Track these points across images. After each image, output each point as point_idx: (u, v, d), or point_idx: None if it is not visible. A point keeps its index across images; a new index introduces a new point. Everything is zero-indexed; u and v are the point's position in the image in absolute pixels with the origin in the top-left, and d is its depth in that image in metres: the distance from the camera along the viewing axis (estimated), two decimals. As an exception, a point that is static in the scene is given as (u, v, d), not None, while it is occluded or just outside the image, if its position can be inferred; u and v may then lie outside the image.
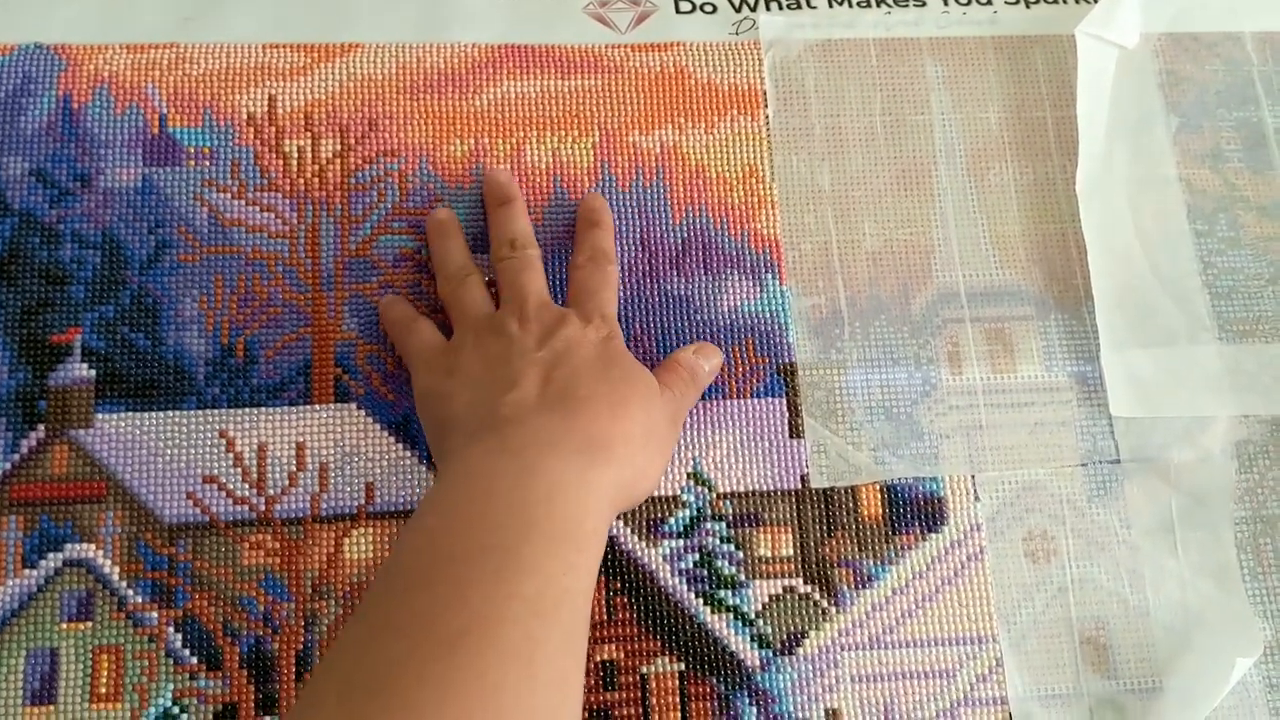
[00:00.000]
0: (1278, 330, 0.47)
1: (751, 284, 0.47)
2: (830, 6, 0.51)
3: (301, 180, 0.46)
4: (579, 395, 0.38)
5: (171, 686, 0.41)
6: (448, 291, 0.43)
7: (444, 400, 0.40)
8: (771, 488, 0.44)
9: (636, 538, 0.43)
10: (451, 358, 0.41)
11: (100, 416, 0.43)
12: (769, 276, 0.47)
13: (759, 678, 0.42)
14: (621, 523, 0.43)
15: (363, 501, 0.43)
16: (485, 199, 0.46)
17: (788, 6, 0.50)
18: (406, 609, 0.31)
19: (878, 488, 0.45)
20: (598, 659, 0.42)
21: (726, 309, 0.46)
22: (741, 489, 0.44)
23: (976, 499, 0.45)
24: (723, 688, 0.42)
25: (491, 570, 0.32)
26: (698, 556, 0.43)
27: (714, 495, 0.44)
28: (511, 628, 0.31)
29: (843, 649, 0.43)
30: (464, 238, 0.45)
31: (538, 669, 0.30)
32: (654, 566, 0.43)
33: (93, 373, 0.43)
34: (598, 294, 0.43)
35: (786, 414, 0.45)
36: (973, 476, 0.45)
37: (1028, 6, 0.51)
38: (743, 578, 0.43)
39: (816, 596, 0.43)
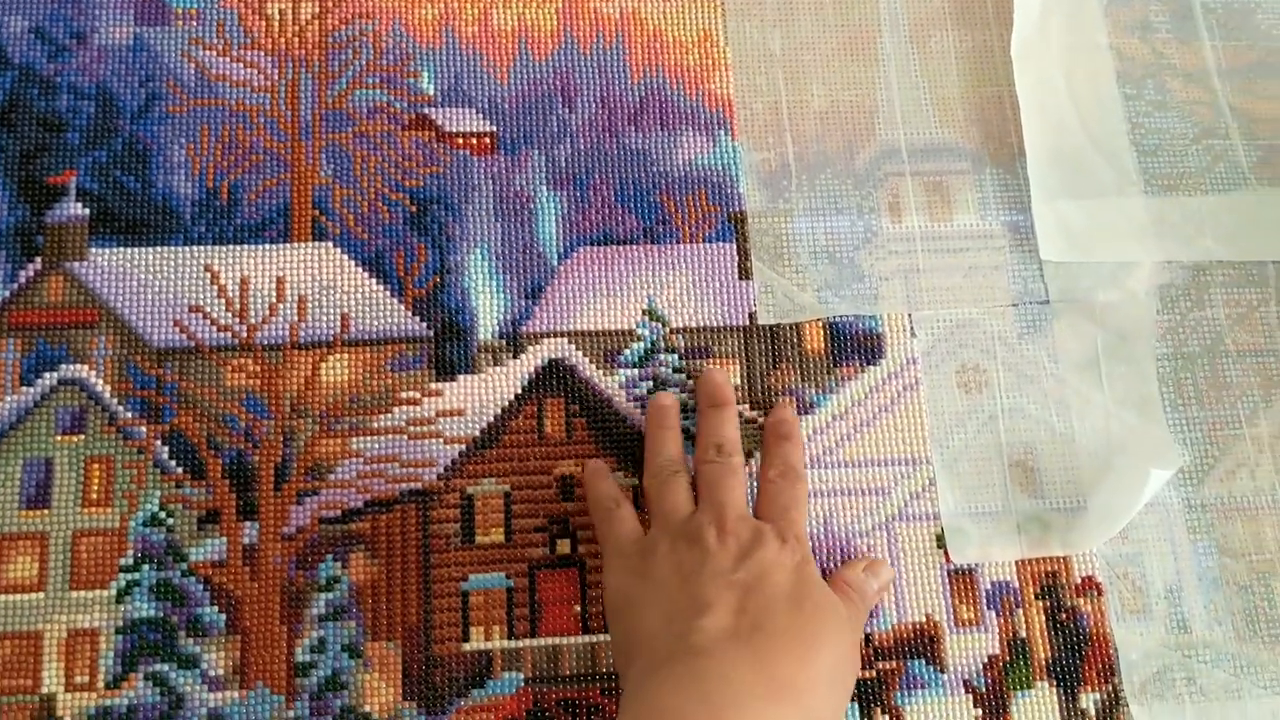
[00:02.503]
0: (1200, 184, 0.50)
1: (705, 139, 0.50)
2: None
3: (283, 40, 0.49)
4: (772, 630, 0.37)
5: (159, 493, 0.44)
6: (653, 486, 0.43)
7: (636, 611, 0.40)
8: (721, 324, 0.47)
9: (594, 366, 0.46)
10: (646, 560, 0.41)
11: (94, 251, 0.46)
12: (721, 133, 0.50)
13: (706, 491, 0.45)
14: (581, 353, 0.46)
15: (339, 330, 0.46)
16: (698, 397, 0.46)
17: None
18: None
19: (821, 324, 0.48)
20: (557, 473, 0.45)
21: (681, 162, 0.49)
22: (693, 325, 0.47)
23: (913, 335, 0.48)
24: (672, 499, 0.45)
25: None
26: (651, 384, 0.46)
27: (667, 330, 0.47)
28: None
29: (785, 466, 0.46)
30: (680, 430, 0.45)
31: None
32: (610, 393, 0.46)
33: (87, 211, 0.46)
34: (789, 511, 0.42)
35: (736, 257, 0.48)
36: (909, 315, 0.48)
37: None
38: (693, 404, 0.46)
39: (761, 421, 0.46)
